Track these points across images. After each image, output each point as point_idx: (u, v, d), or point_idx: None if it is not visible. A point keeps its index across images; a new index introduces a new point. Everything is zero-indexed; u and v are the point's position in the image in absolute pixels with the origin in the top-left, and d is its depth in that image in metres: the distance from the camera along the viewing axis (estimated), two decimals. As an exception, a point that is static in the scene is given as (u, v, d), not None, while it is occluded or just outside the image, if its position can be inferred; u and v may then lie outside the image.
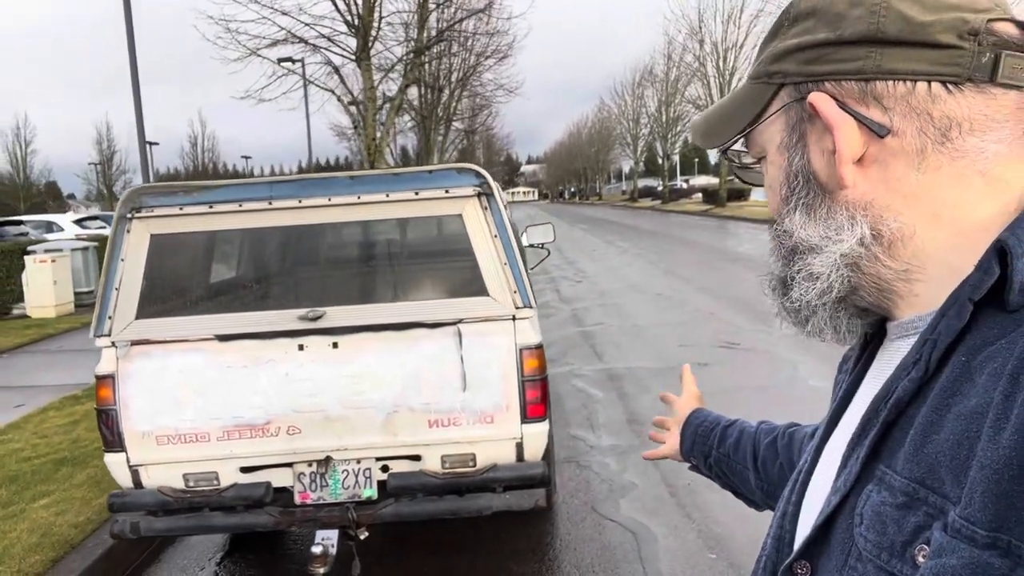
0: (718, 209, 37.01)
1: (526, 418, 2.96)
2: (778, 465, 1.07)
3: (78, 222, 22.59)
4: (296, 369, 2.94)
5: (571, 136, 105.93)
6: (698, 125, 0.75)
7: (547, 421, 3.01)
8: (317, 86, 16.11)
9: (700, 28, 40.81)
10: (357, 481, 3.04)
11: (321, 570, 2.86)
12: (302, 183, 2.94)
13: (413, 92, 24.04)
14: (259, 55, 15.17)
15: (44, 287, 11.56)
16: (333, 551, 2.93)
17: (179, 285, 3.33)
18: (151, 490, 2.98)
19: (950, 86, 0.56)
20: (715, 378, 6.27)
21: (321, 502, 3.03)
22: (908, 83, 0.57)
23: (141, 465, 2.97)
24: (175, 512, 2.98)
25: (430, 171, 2.94)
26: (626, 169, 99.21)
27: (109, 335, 2.92)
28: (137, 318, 2.93)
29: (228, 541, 4.00)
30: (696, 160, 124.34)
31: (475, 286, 2.96)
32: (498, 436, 2.97)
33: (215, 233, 3.22)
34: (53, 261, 11.66)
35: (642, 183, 76.76)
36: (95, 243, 13.75)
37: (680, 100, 49.56)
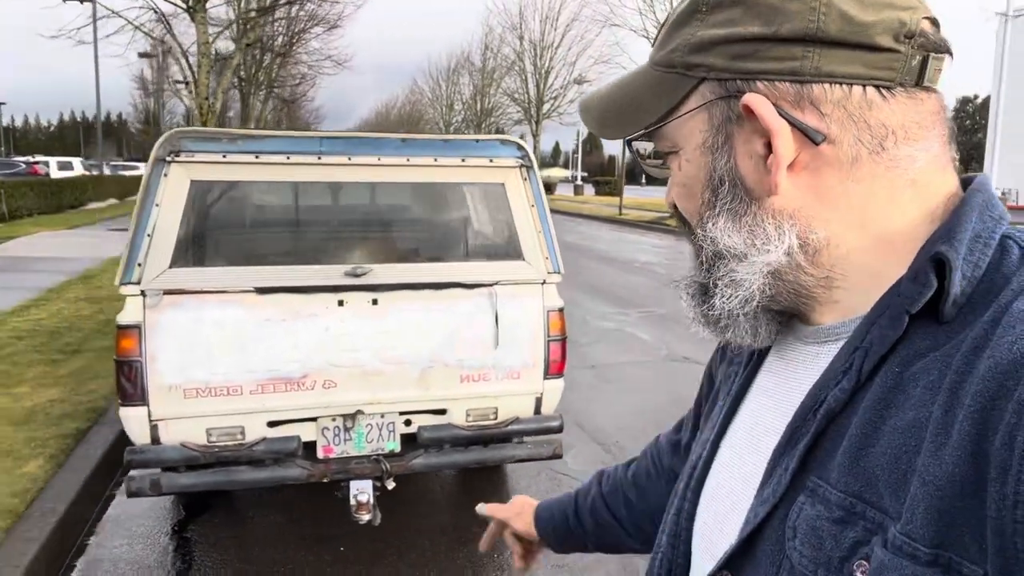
0: (531, 200, 38.83)
1: (548, 374, 3.25)
2: (656, 494, 0.98)
3: None
4: (336, 324, 2.98)
5: (378, 115, 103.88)
6: (592, 109, 0.66)
7: (563, 377, 3.32)
8: (143, 32, 14.71)
9: (520, 24, 42.43)
10: (380, 435, 3.14)
11: (366, 517, 2.94)
12: (354, 140, 2.97)
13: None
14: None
15: None
16: (373, 499, 3.01)
17: (217, 234, 3.16)
18: (174, 445, 2.87)
19: (884, 91, 0.53)
20: (597, 354, 6.87)
21: (345, 455, 3.10)
22: (844, 87, 0.53)
23: (162, 420, 2.85)
24: (199, 467, 2.90)
25: (477, 140, 3.12)
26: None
27: (138, 283, 2.76)
28: (171, 267, 2.80)
29: (183, 506, 3.83)
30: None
31: (512, 251, 3.18)
32: (521, 391, 3.23)
33: (257, 184, 3.12)
34: None
35: (451, 169, 77.23)
36: None
37: (496, 91, 50.92)
